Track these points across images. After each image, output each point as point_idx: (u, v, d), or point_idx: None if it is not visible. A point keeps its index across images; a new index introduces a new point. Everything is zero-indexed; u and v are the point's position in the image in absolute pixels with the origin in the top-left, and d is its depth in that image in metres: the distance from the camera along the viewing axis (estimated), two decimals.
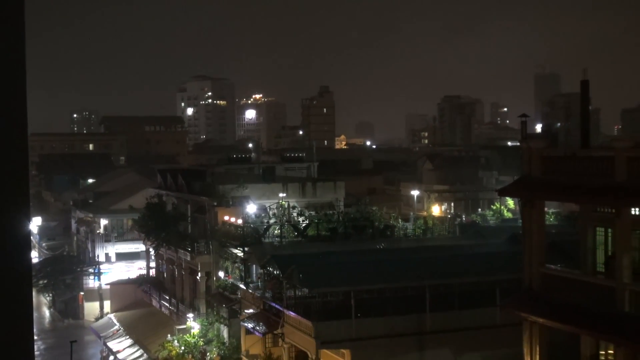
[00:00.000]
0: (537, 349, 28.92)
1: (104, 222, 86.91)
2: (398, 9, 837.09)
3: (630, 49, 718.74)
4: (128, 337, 63.74)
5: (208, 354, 50.79)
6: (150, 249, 71.97)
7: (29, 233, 3.36)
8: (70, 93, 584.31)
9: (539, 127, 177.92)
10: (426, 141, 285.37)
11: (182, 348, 52.12)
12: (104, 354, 69.16)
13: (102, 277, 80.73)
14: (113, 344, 64.08)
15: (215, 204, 58.38)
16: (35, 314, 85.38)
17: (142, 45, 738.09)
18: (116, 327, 67.65)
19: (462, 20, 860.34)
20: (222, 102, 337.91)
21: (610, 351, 28.13)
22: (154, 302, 68.90)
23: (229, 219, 55.78)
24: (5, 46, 3.26)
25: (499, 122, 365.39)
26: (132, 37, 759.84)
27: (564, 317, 27.51)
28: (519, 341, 30.12)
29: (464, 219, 67.10)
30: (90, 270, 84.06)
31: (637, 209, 26.79)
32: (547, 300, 28.50)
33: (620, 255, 26.10)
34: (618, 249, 26.47)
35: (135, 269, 79.17)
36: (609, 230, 28.12)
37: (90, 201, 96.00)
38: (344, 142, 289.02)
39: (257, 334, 44.66)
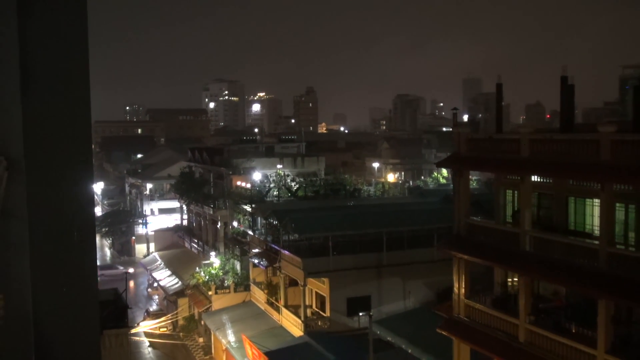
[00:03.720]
0: (463, 277, 29.17)
1: (149, 185, 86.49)
2: (365, 28, 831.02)
3: (531, 61, 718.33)
4: (167, 269, 63.73)
5: (225, 281, 50.90)
6: (183, 206, 71.77)
7: (93, 193, 3.35)
8: (124, 91, 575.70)
9: (465, 118, 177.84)
10: (384, 127, 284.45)
11: (207, 277, 52.20)
12: (150, 282, 69.32)
13: (148, 225, 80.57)
14: (157, 274, 64.10)
15: (230, 172, 58.19)
16: (99, 253, 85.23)
17: (176, 54, 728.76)
18: (159, 262, 67.61)
19: (411, 38, 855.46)
20: (235, 99, 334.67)
21: (515, 279, 28.44)
22: (186, 244, 68.81)
23: (241, 183, 55.68)
24: (74, 58, 3.24)
25: (437, 113, 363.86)
26: (170, 48, 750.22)
27: (483, 254, 27.75)
28: (449, 271, 30.35)
29: (411, 183, 67.36)
30: (140, 220, 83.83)
31: (536, 177, 26.93)
32: (471, 242, 28.71)
33: (523, 210, 26.29)
34: (522, 205, 26.65)
35: (172, 220, 79.01)
36: (515, 192, 28.29)
37: (139, 170, 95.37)
38: (324, 128, 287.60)
39: (261, 266, 44.78)
